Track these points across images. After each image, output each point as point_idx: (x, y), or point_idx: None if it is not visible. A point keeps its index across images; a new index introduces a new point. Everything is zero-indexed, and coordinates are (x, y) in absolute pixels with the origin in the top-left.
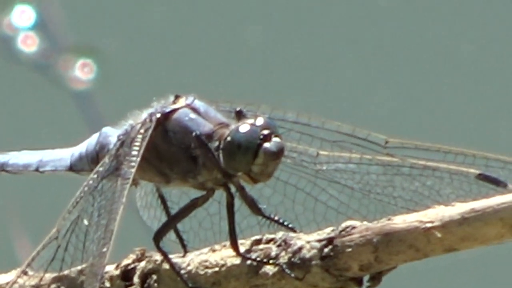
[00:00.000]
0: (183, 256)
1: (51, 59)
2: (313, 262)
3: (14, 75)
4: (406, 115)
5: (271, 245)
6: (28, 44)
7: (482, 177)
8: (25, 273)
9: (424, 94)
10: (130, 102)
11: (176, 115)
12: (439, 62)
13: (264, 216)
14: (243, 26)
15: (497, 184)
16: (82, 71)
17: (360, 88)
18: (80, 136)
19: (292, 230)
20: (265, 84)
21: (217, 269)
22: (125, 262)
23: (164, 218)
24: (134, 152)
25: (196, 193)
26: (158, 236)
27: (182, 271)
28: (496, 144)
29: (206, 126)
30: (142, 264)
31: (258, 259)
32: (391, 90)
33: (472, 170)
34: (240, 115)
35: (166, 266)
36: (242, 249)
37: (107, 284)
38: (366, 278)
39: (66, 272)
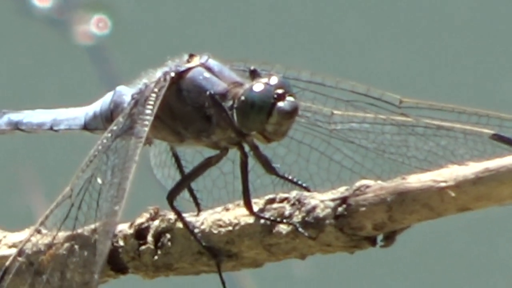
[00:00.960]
0: (197, 215)
1: (66, 14)
2: (327, 221)
3: (29, 30)
4: (419, 75)
5: (284, 204)
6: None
7: (496, 137)
8: (38, 231)
9: (438, 53)
10: (144, 60)
11: (190, 74)
12: (452, 20)
13: (278, 175)
14: None
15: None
16: (97, 27)
17: (371, 48)
18: (94, 94)
19: (306, 189)
20: (277, 43)
21: (230, 228)
22: (139, 220)
23: (178, 177)
24: (148, 111)
25: (210, 152)
26: (172, 195)
27: (196, 230)
28: (510, 104)
29: (220, 85)
30: (156, 223)
31: (272, 218)
32: (403, 50)
33: (486, 130)
34: (254, 74)
35: (179, 225)
36: (255, 208)
37: (121, 242)
38: (380, 237)
39: (79, 230)
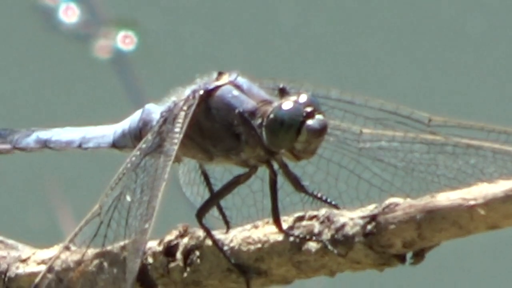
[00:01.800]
0: (226, 233)
1: (92, 30)
2: (356, 239)
3: (56, 46)
4: (448, 93)
5: (314, 221)
6: (69, 15)
7: None
8: (67, 248)
9: (467, 71)
10: (172, 77)
11: (219, 92)
12: (480, 38)
13: (307, 193)
14: (278, 4)
15: None
16: (124, 43)
17: (399, 66)
18: (122, 111)
19: (335, 207)
20: (305, 61)
21: (260, 245)
22: (168, 238)
23: (207, 195)
24: (177, 129)
25: (239, 170)
26: (201, 213)
27: (225, 247)
28: None
29: (249, 103)
30: (185, 240)
31: (301, 235)
32: (432, 68)
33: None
34: (283, 92)
35: (209, 242)
36: (284, 225)
37: (150, 260)
38: (409, 255)
39: (108, 248)
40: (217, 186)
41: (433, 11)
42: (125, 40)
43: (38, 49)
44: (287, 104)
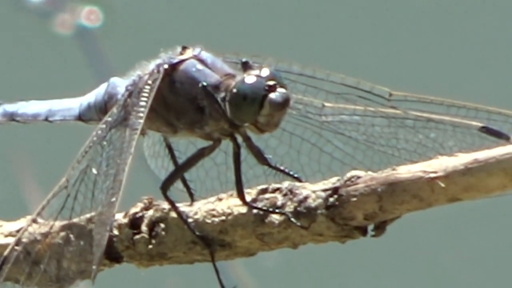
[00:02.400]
0: (190, 205)
1: (58, 6)
2: (319, 211)
3: (21, 23)
4: (409, 68)
5: (277, 194)
6: None
7: (485, 130)
8: (35, 221)
9: (427, 47)
10: (137, 52)
11: (183, 66)
12: (442, 15)
13: (270, 166)
14: None
15: (500, 136)
16: (89, 19)
17: (361, 41)
18: (87, 86)
19: (298, 180)
20: (268, 36)
21: (223, 217)
22: (133, 210)
23: (171, 168)
24: (142, 103)
25: (203, 143)
26: (165, 185)
27: (189, 220)
28: (498, 97)
29: (213, 77)
30: (150, 212)
31: (264, 208)
32: (393, 43)
33: (474, 123)
34: (246, 67)
35: (173, 214)
36: (248, 198)
37: (116, 232)
38: (370, 227)
39: (75, 220)
40: (181, 159)
41: None
42: (90, 16)
43: (4, 26)
44: (250, 78)
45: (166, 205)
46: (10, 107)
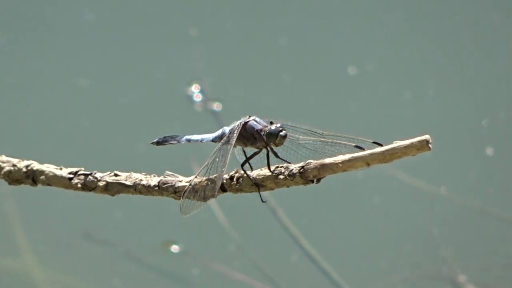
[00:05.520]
0: (251, 172)
1: (205, 102)
2: (297, 174)
3: (190, 110)
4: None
5: (282, 168)
6: (196, 97)
7: (356, 146)
8: (196, 177)
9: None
10: (233, 119)
11: (249, 122)
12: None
13: (280, 158)
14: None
15: (361, 149)
16: (217, 107)
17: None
18: (215, 130)
19: (289, 163)
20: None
21: (262, 176)
22: (231, 174)
23: (243, 159)
24: (234, 136)
25: (254, 150)
26: (242, 165)
27: (251, 176)
28: (360, 129)
29: (259, 126)
30: (237, 174)
31: (277, 172)
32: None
33: (352, 144)
34: (271, 123)
35: (245, 175)
36: (272, 169)
37: (224, 180)
38: (315, 180)
39: (211, 176)
40: (247, 155)
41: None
42: (217, 106)
43: (183, 112)
44: (273, 127)
45: (242, 172)
46: (188, 137)
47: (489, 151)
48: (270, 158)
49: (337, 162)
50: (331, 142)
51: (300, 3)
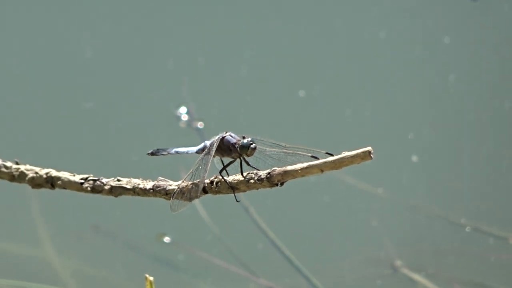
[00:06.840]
0: (227, 177)
1: (190, 121)
2: (265, 179)
3: (175, 128)
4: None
5: (253, 174)
6: (184, 117)
7: (312, 156)
8: (183, 181)
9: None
10: (213, 133)
11: (226, 137)
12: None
13: (251, 166)
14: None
15: (316, 158)
16: (199, 124)
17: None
18: (198, 143)
19: (258, 170)
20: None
21: (237, 180)
22: (211, 179)
23: (221, 166)
24: (213, 148)
25: (230, 160)
26: (220, 171)
27: (228, 181)
28: (314, 141)
29: (234, 140)
30: (216, 179)
31: (248, 178)
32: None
33: (309, 154)
34: (244, 137)
35: (222, 180)
36: (245, 175)
37: (205, 184)
38: (279, 184)
39: (195, 181)
40: (224, 163)
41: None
42: (199, 124)
43: (171, 131)
44: (245, 141)
45: (220, 177)
46: (176, 149)
47: (415, 158)
48: (243, 166)
49: (297, 169)
50: (292, 153)
51: (259, 39)
